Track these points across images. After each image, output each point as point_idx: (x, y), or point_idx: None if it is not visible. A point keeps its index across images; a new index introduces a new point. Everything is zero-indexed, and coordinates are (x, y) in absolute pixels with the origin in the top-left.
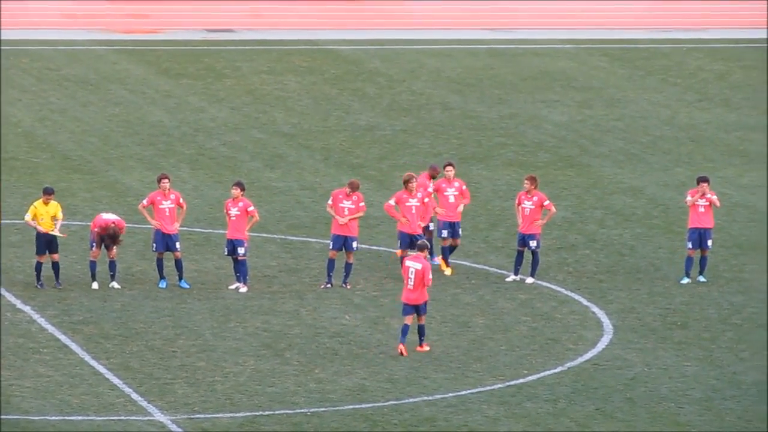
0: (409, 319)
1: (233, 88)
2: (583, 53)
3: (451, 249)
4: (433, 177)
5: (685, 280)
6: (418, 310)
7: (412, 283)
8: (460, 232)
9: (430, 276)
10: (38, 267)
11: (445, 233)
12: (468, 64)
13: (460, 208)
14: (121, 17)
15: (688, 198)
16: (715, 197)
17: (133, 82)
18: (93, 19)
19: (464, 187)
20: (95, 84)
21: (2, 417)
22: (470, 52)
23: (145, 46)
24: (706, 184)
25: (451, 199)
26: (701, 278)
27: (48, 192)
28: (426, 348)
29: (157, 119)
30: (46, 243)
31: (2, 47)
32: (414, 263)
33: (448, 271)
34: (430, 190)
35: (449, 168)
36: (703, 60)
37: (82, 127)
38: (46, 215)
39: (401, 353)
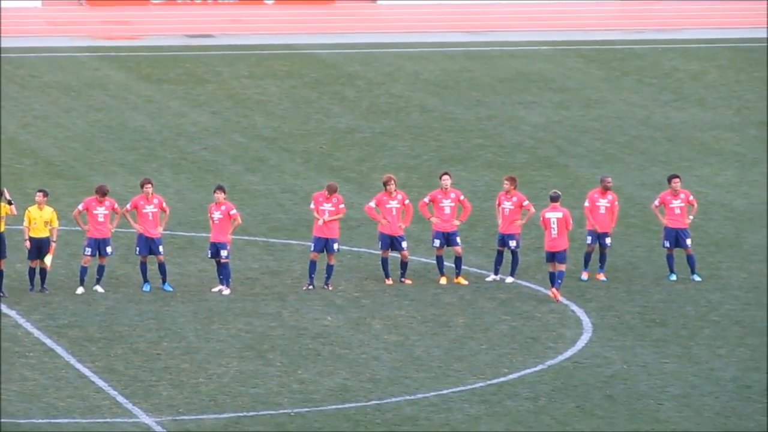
0: (552, 266)
1: (214, 93)
2: (559, 54)
3: (457, 260)
4: (606, 189)
5: (673, 277)
6: (556, 257)
7: (555, 232)
8: (459, 241)
9: (571, 221)
10: (31, 272)
11: (437, 243)
12: (445, 67)
13: (456, 221)
14: (102, 24)
15: (656, 202)
16: (691, 197)
17: (115, 87)
18: (74, 26)
19: (462, 197)
20: (77, 90)
21: None
22: (447, 54)
23: (126, 52)
24: (677, 180)
25: (447, 210)
26: (696, 277)
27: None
28: (559, 298)
29: (139, 124)
30: (37, 249)
31: None
32: (554, 213)
33: (443, 280)
34: (607, 202)
35: (445, 177)
36: (678, 60)
37: (65, 132)
38: (39, 220)
39: (555, 297)
